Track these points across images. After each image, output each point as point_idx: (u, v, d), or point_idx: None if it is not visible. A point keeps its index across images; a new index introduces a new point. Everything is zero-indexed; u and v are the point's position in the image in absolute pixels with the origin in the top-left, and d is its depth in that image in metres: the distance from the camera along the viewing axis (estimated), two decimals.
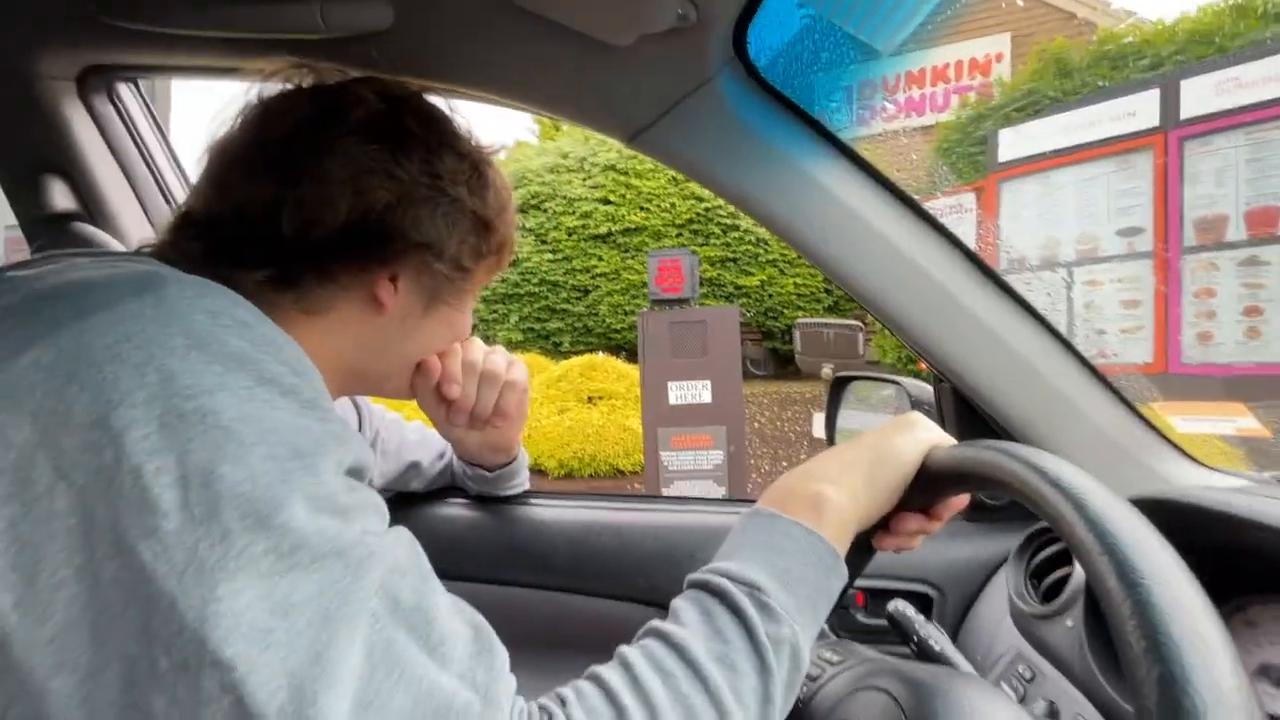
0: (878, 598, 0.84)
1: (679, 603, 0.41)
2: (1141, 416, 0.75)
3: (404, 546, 0.36)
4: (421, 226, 0.51)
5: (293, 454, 0.33)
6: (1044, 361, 0.72)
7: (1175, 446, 0.76)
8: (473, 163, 0.55)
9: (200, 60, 0.66)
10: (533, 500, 0.91)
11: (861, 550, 0.52)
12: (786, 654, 0.38)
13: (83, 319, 0.33)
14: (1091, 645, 0.58)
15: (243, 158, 0.49)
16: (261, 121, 0.50)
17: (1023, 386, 0.71)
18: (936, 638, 0.59)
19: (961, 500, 0.50)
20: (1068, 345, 0.73)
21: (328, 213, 0.47)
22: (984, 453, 0.40)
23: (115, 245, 0.71)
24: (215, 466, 0.30)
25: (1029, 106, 5.54)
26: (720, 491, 2.93)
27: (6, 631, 0.29)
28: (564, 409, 4.97)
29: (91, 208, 0.73)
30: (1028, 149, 4.82)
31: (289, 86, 0.52)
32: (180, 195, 0.80)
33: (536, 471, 4.97)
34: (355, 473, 0.37)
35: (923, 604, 0.82)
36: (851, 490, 0.46)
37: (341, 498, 0.34)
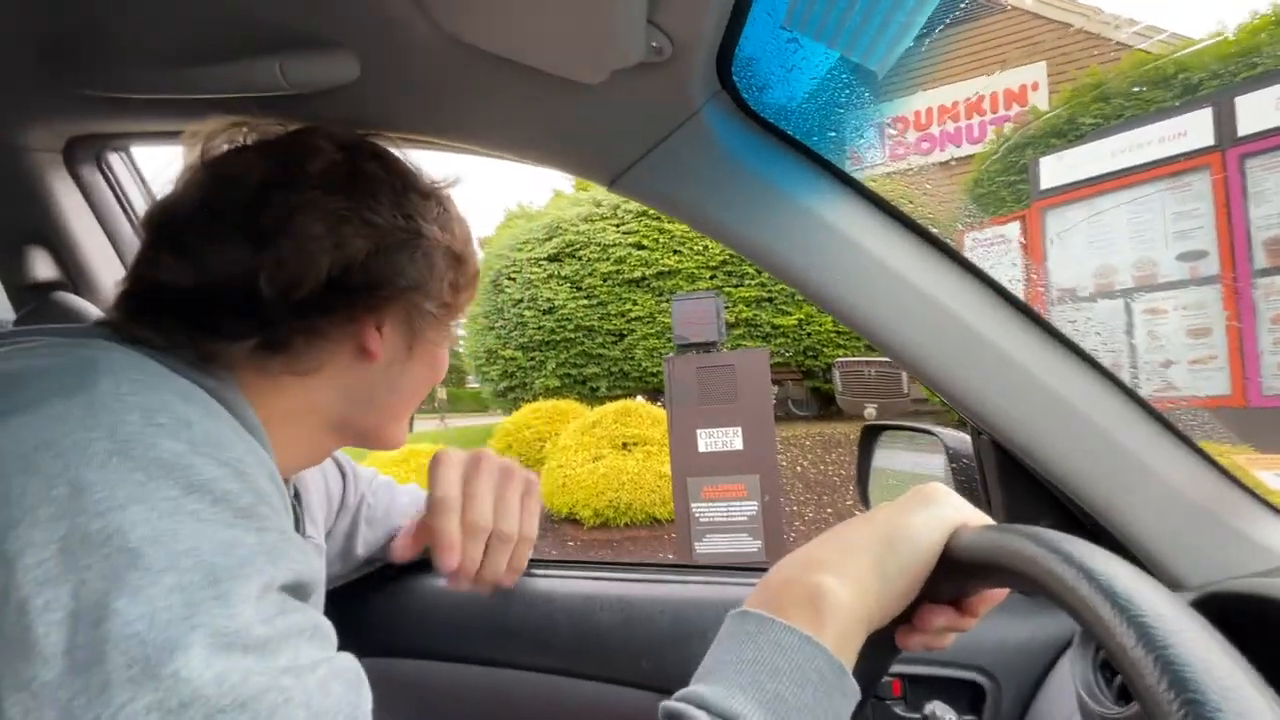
0: (919, 686, 0.73)
1: None
2: (1222, 469, 0.64)
3: (340, 682, 0.30)
4: (405, 271, 0.49)
5: (207, 580, 0.28)
6: (1098, 408, 0.62)
7: (1269, 505, 0.64)
8: (438, 199, 0.54)
9: (178, 125, 0.65)
10: (534, 570, 0.84)
11: (881, 649, 0.43)
12: None
13: (4, 420, 0.30)
14: None
15: (204, 224, 0.46)
16: (215, 185, 0.47)
17: (1075, 438, 0.62)
18: None
19: (1000, 593, 0.42)
20: (1126, 389, 0.64)
21: (309, 271, 0.45)
22: (1015, 541, 0.32)
23: (95, 314, 0.70)
24: (111, 600, 0.26)
25: (1069, 133, 5.39)
26: (755, 545, 2.77)
27: None
28: (598, 456, 4.89)
29: (75, 277, 0.73)
30: (1071, 175, 4.66)
31: (230, 146, 0.50)
32: None
33: (571, 521, 4.88)
34: (293, 589, 0.32)
35: (973, 696, 0.70)
36: (858, 581, 0.38)
37: (258, 629, 0.29)
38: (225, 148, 0.49)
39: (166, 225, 0.47)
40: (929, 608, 0.40)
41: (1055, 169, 4.81)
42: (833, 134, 0.62)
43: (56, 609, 0.26)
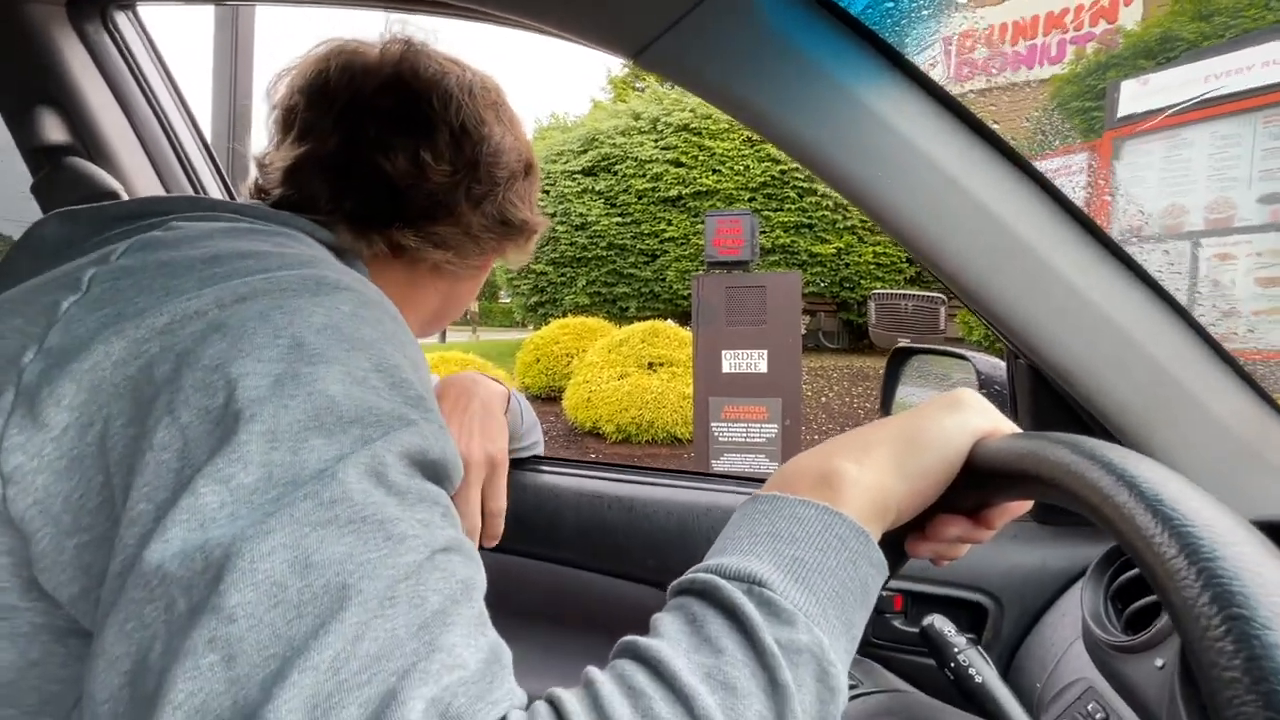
0: (921, 603, 0.73)
1: (658, 615, 0.32)
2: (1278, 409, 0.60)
3: (461, 554, 0.31)
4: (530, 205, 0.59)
5: (382, 431, 0.32)
6: (1155, 337, 0.57)
7: None
8: None
9: None
10: (543, 466, 0.85)
11: (888, 554, 0.42)
12: (809, 668, 0.29)
13: (247, 282, 0.35)
14: (1185, 693, 0.46)
15: (408, 123, 0.51)
16: (409, 89, 0.52)
17: (1123, 366, 0.57)
18: (979, 668, 0.48)
19: (1020, 506, 0.39)
20: (1189, 319, 0.58)
21: (495, 179, 0.54)
22: (1050, 449, 0.29)
23: (113, 184, 0.69)
24: (310, 437, 0.30)
25: (1161, 54, 4.88)
26: (773, 467, 2.80)
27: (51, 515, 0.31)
28: (624, 374, 4.94)
29: (87, 142, 0.71)
30: (1154, 102, 4.24)
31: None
32: (184, 133, 0.78)
33: (594, 435, 5.00)
34: (438, 468, 0.34)
35: (975, 615, 0.70)
36: (877, 473, 0.36)
37: (398, 477, 0.31)
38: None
39: (360, 113, 0.50)
40: (944, 517, 0.38)
41: (1137, 94, 4.38)
42: (893, 5, 0.54)
43: (259, 423, 0.29)
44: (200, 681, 0.25)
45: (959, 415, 0.37)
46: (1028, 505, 0.40)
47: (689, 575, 0.32)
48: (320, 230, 0.48)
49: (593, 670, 0.30)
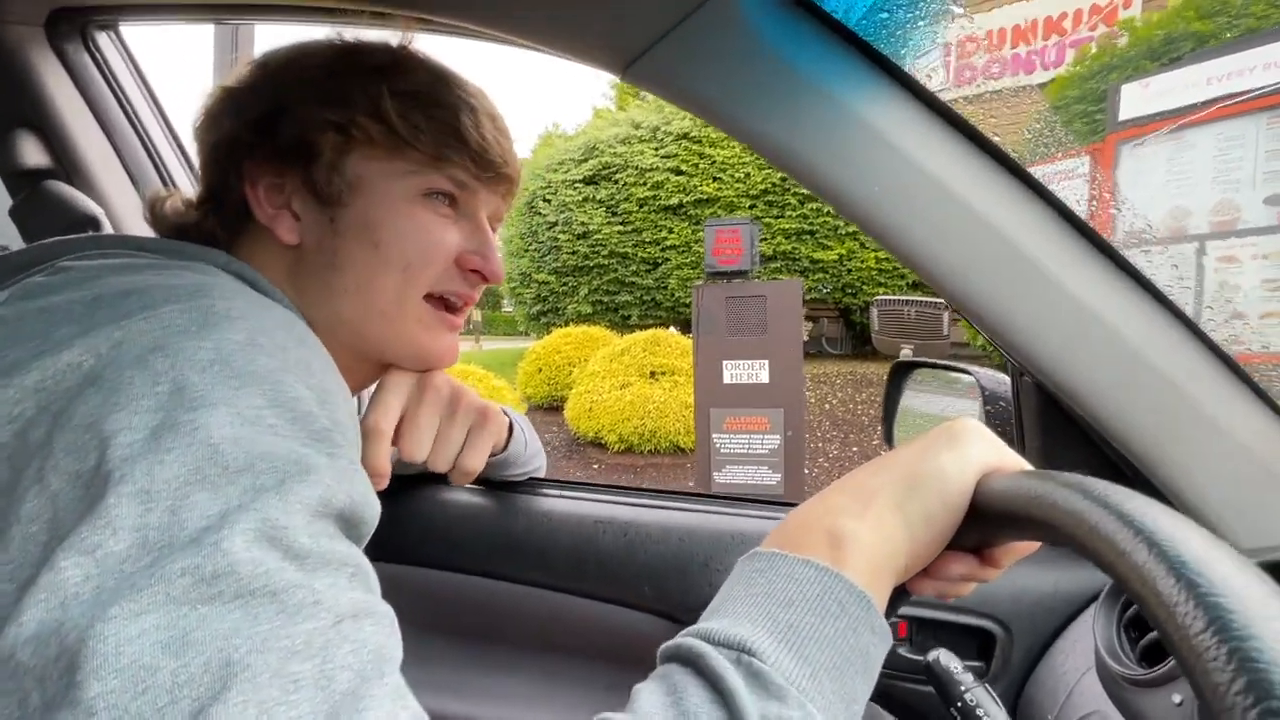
0: (927, 630, 0.70)
1: (639, 685, 0.30)
2: None
3: (372, 619, 0.28)
4: (246, 127, 0.49)
5: (276, 481, 0.29)
6: (1166, 354, 0.55)
7: None
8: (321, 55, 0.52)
9: None
10: (537, 490, 0.83)
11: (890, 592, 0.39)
12: None
13: (124, 326, 0.33)
14: None
15: None
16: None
17: (1134, 385, 0.55)
18: (988, 708, 0.46)
19: (1030, 546, 0.37)
20: (1201, 334, 0.56)
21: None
22: (1057, 492, 0.27)
23: (92, 207, 0.67)
24: (192, 491, 0.27)
25: (1164, 55, 4.86)
26: (775, 478, 2.77)
27: None
28: (626, 383, 4.92)
29: (66, 165, 0.69)
30: (1156, 105, 4.21)
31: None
32: (168, 153, 0.77)
33: (596, 445, 4.97)
34: (348, 520, 0.31)
35: (983, 643, 0.67)
36: (880, 527, 0.34)
37: (303, 539, 0.28)
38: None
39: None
40: (948, 554, 0.36)
41: (1138, 97, 4.35)
42: (886, 16, 0.53)
43: (130, 483, 0.27)
44: None
45: (958, 450, 0.35)
46: (1036, 546, 0.38)
47: (677, 640, 0.30)
48: (232, 261, 0.44)
49: None
